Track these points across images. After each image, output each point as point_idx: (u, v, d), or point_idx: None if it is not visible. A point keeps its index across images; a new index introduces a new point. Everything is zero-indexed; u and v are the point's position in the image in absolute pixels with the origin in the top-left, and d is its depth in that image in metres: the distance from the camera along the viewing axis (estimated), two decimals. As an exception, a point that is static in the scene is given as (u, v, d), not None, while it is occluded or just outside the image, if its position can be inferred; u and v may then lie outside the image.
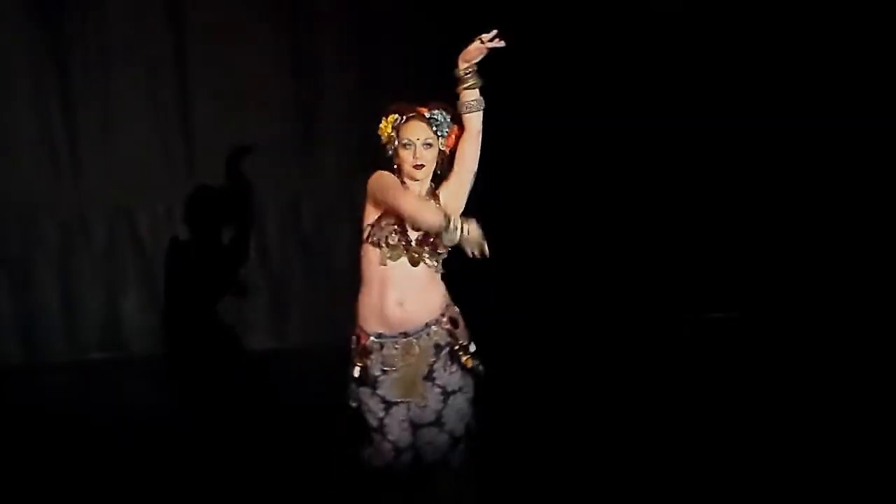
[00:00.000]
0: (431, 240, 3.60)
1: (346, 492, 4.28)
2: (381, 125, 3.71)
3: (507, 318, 6.58)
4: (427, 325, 3.67)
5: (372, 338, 3.67)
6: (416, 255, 3.63)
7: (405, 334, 3.66)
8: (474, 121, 3.66)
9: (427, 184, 3.72)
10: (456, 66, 3.62)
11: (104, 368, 6.82)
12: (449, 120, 3.67)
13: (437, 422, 3.71)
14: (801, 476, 4.69)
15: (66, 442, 5.42)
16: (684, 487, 4.64)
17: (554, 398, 5.84)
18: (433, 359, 3.68)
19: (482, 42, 3.58)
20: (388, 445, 3.71)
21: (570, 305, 7.34)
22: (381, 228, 3.63)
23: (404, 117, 3.68)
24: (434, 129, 3.67)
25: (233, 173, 7.00)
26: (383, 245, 3.62)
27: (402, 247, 3.62)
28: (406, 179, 3.68)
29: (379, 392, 3.68)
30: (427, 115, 3.67)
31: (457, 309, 3.75)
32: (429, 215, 3.45)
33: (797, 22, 7.26)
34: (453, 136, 3.69)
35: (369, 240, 3.65)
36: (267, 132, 7.17)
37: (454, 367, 3.70)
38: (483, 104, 3.65)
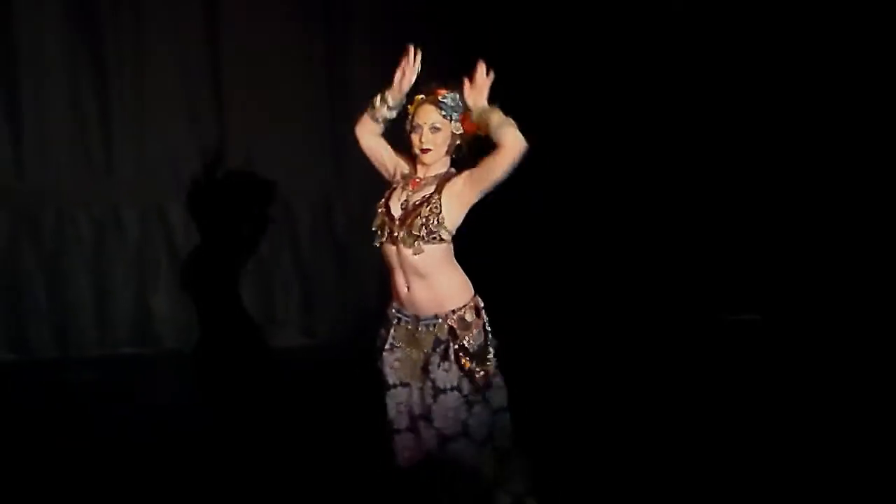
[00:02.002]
0: (409, 221, 3.58)
1: (370, 489, 4.32)
2: (410, 106, 3.72)
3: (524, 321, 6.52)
4: (435, 317, 3.65)
5: (393, 309, 3.73)
6: (396, 236, 3.62)
7: (416, 317, 3.67)
8: (511, 137, 3.50)
9: (442, 166, 3.68)
10: (467, 107, 3.55)
11: (135, 363, 6.85)
12: (461, 103, 3.62)
13: (427, 417, 3.68)
14: (819, 478, 4.66)
15: (95, 435, 5.46)
16: (703, 490, 4.62)
17: (570, 402, 5.81)
18: (429, 351, 3.65)
19: (473, 80, 3.53)
20: (389, 420, 3.73)
21: (591, 308, 7.33)
22: (376, 211, 3.73)
23: (420, 100, 3.68)
24: (443, 113, 3.63)
25: (264, 170, 7.05)
26: (377, 230, 3.70)
27: (385, 224, 3.67)
28: (417, 162, 3.69)
29: (383, 369, 3.72)
30: (440, 98, 3.64)
31: (477, 313, 3.68)
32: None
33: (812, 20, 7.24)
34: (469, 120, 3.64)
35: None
36: (299, 129, 7.21)
37: (447, 365, 3.63)
38: (511, 121, 3.52)
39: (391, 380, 3.72)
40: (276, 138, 7.12)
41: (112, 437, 5.44)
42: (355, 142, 3.87)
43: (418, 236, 3.57)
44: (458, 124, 3.63)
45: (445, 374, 3.63)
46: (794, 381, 6.14)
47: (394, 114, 3.78)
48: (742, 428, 5.34)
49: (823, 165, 7.34)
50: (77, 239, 7.03)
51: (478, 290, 3.72)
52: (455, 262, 3.68)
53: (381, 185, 6.90)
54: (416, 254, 3.58)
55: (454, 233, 3.62)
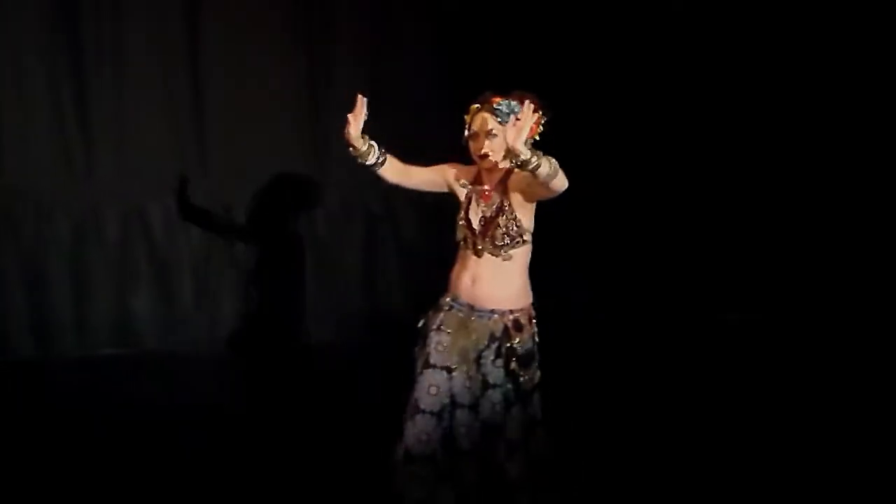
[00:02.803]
0: (490, 230, 3.79)
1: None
2: (467, 116, 3.91)
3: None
4: (492, 311, 3.83)
5: (448, 298, 3.92)
6: (479, 248, 3.84)
7: (471, 307, 3.85)
8: (558, 183, 3.59)
9: (502, 171, 3.86)
10: (510, 155, 3.56)
11: (115, 365, 6.81)
12: (517, 109, 3.70)
13: (474, 407, 3.84)
14: (818, 477, 4.66)
15: (75, 437, 5.44)
16: (699, 489, 4.62)
17: (571, 400, 5.78)
18: (483, 345, 3.82)
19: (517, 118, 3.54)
20: (414, 399, 3.84)
21: (583, 307, 7.33)
22: (459, 227, 3.92)
23: (478, 107, 3.86)
24: (499, 119, 3.79)
25: (243, 170, 7.02)
26: (460, 241, 3.93)
27: (467, 238, 3.88)
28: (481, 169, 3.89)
29: (427, 349, 3.87)
30: (494, 105, 3.79)
31: (530, 320, 3.87)
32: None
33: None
34: (531, 126, 3.69)
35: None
36: (279, 129, 7.18)
37: (499, 363, 3.81)
38: (556, 164, 3.54)
39: (433, 360, 3.86)
40: (255, 138, 7.09)
41: (94, 438, 5.43)
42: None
43: (502, 245, 3.81)
44: None
45: (496, 371, 3.82)
46: (786, 379, 6.15)
47: (373, 157, 4.08)
48: (737, 427, 5.37)
49: (815, 164, 7.35)
50: (55, 239, 6.98)
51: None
52: (527, 265, 3.88)
53: (362, 187, 7.02)
54: (505, 261, 3.82)
55: (532, 230, 3.85)
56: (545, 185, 3.54)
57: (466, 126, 3.88)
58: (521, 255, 3.85)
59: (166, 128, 7.08)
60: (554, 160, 3.52)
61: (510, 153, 3.48)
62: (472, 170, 3.97)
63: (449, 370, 3.84)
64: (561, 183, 3.57)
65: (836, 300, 7.24)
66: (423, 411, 3.84)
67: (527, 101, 3.52)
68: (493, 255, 3.82)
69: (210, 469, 4.99)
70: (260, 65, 7.13)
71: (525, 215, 3.83)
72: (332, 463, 4.97)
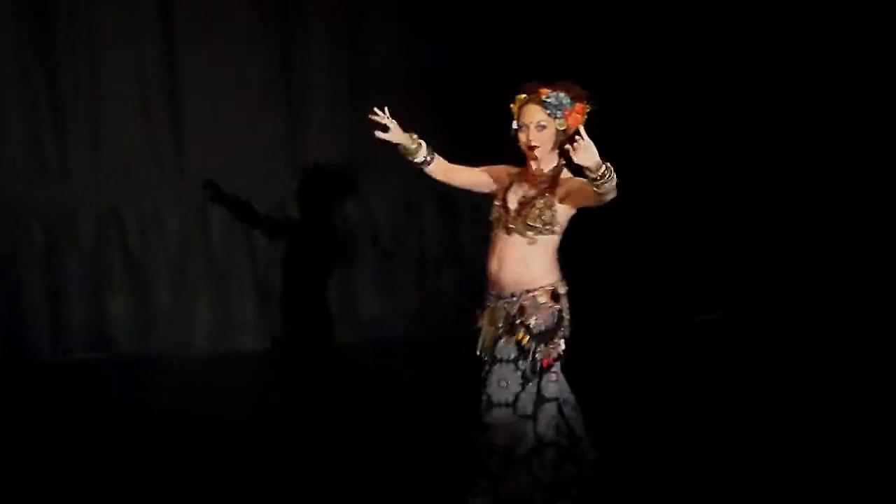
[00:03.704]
0: (524, 212, 3.86)
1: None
2: (512, 106, 3.94)
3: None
4: (511, 295, 3.91)
5: (492, 294, 3.99)
6: (510, 226, 3.89)
7: (498, 297, 3.94)
8: (609, 196, 3.70)
9: (552, 162, 3.92)
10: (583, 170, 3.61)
11: (90, 368, 6.77)
12: (565, 101, 3.82)
13: (483, 384, 3.94)
14: (803, 477, 4.67)
15: (53, 442, 5.39)
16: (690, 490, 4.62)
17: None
18: (500, 325, 3.92)
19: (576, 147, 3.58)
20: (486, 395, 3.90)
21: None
22: (495, 207, 3.97)
23: (525, 98, 3.90)
24: (548, 111, 3.84)
25: (219, 174, 6.99)
26: (492, 220, 3.97)
27: (501, 220, 3.92)
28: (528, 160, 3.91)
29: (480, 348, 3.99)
30: (543, 97, 3.83)
31: (554, 298, 3.90)
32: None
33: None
34: (576, 115, 3.83)
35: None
36: (256, 132, 7.15)
37: (509, 339, 3.89)
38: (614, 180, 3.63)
39: (484, 356, 3.99)
40: (231, 140, 7.06)
41: (71, 442, 5.39)
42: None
43: (532, 227, 3.86)
44: (563, 121, 3.84)
45: (505, 347, 3.89)
46: (764, 379, 6.15)
47: (420, 155, 4.11)
48: (720, 427, 5.36)
49: (789, 164, 7.37)
50: (30, 243, 6.94)
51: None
52: (555, 253, 3.94)
53: (340, 187, 7.01)
54: (530, 243, 3.87)
55: (565, 226, 3.91)
56: (601, 196, 3.67)
57: (514, 118, 3.92)
58: (547, 242, 3.90)
59: (140, 130, 7.04)
60: (614, 173, 3.62)
61: (588, 169, 3.58)
62: (521, 170, 4.02)
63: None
64: (612, 195, 3.68)
65: (814, 299, 7.26)
66: (493, 402, 3.91)
67: (580, 129, 3.60)
68: (521, 234, 3.88)
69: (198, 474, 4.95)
70: (235, 65, 7.08)
71: (563, 211, 3.90)
72: (327, 466, 4.97)
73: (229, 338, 7.23)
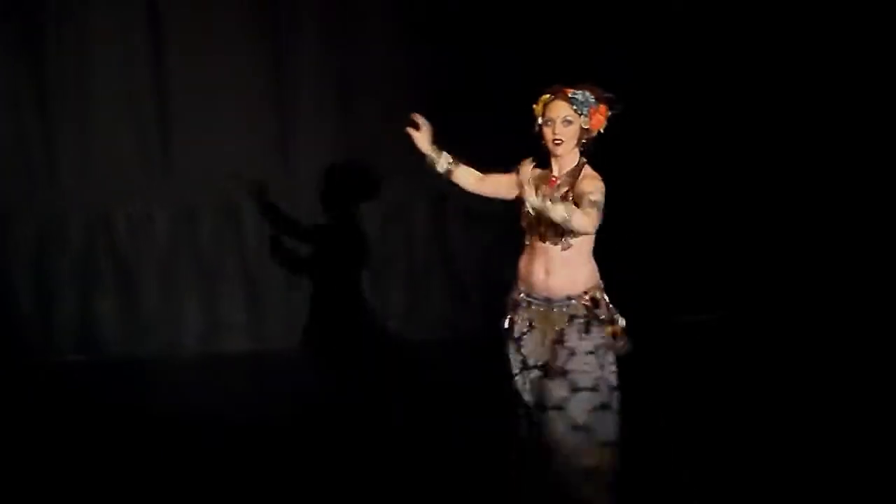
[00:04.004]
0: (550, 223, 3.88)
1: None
2: (535, 106, 4.02)
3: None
4: (568, 298, 3.99)
5: (522, 294, 4.06)
6: (543, 234, 3.96)
7: (548, 300, 4.00)
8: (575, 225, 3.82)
9: (574, 160, 3.98)
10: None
11: (81, 370, 6.75)
12: (591, 100, 3.93)
13: (563, 372, 3.99)
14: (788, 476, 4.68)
15: (41, 444, 5.39)
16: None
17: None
18: (564, 326, 3.99)
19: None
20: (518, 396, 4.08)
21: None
22: (524, 213, 3.98)
23: (551, 96, 3.97)
24: (574, 107, 3.91)
25: (209, 175, 7.01)
26: (523, 223, 4.01)
27: (531, 224, 3.98)
28: (551, 157, 4.01)
29: (522, 351, 4.08)
30: (570, 94, 3.92)
31: (603, 294, 4.05)
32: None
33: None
34: (599, 116, 3.95)
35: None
36: (245, 133, 7.14)
37: (587, 336, 3.99)
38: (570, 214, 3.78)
39: (531, 361, 4.07)
40: (221, 141, 7.05)
41: (61, 444, 5.39)
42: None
43: (565, 232, 3.89)
44: (587, 119, 3.94)
45: (582, 342, 3.99)
46: (757, 379, 6.17)
47: (440, 166, 4.21)
48: (706, 428, 5.37)
49: (774, 164, 7.38)
50: (19, 245, 6.95)
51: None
52: (591, 250, 4.04)
53: (324, 187, 7.01)
54: (563, 249, 3.95)
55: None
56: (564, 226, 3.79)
57: (539, 115, 3.99)
58: (584, 243, 3.99)
59: (129, 132, 7.04)
60: (570, 206, 3.76)
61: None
62: (543, 173, 4.07)
63: (537, 366, 4.07)
64: (579, 225, 3.78)
65: (805, 300, 7.27)
66: (524, 403, 4.09)
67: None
68: (553, 243, 3.96)
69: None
70: (225, 66, 7.07)
71: None
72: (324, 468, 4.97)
73: (219, 339, 7.22)
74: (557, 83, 4.00)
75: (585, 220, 3.77)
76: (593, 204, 3.79)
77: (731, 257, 7.52)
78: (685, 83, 7.36)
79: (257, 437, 5.40)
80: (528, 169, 4.12)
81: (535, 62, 6.91)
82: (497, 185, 4.22)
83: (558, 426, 4.00)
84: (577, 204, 3.83)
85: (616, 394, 4.05)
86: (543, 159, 4.10)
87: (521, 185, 4.03)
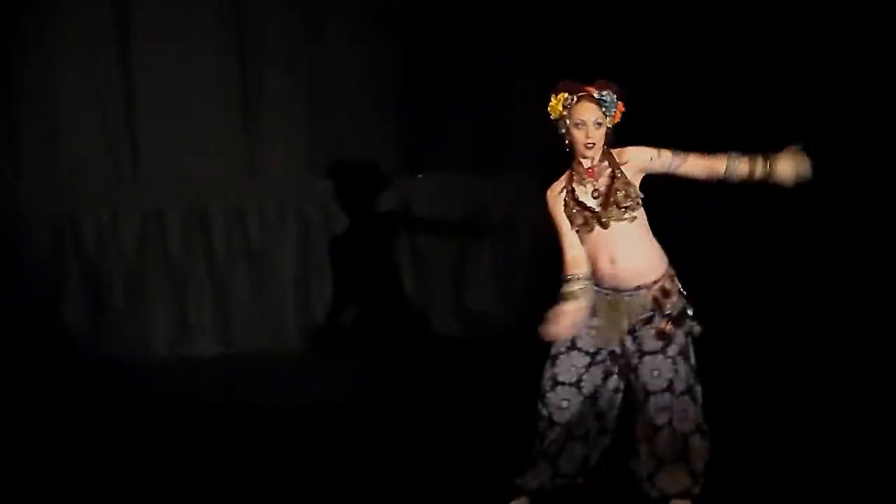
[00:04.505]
0: (612, 199, 3.94)
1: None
2: (552, 103, 3.98)
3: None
4: (638, 287, 3.99)
5: (602, 290, 4.03)
6: (605, 220, 3.94)
7: (616, 290, 4.00)
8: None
9: (597, 157, 3.98)
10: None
11: (48, 373, 6.72)
12: (615, 99, 3.93)
13: (635, 371, 4.06)
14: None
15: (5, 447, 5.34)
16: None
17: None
18: (638, 318, 4.01)
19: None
20: (553, 373, 4.06)
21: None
22: (569, 216, 3.99)
23: (575, 97, 3.94)
24: (603, 109, 3.93)
25: (176, 180, 7.04)
26: (575, 228, 3.99)
27: (590, 220, 3.96)
28: (579, 157, 3.98)
29: (578, 345, 4.04)
30: (597, 95, 3.93)
31: (675, 282, 4.05)
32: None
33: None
34: (618, 113, 3.97)
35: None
36: (213, 138, 7.14)
37: (652, 331, 4.01)
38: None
39: (580, 344, 4.04)
40: (188, 147, 7.06)
41: (30, 448, 5.33)
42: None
43: (626, 206, 3.93)
44: (611, 118, 3.97)
45: (651, 339, 4.02)
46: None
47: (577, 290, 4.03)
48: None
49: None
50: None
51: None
52: (649, 229, 4.04)
53: (294, 192, 7.01)
54: (631, 221, 3.94)
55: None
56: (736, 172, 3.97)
57: (559, 115, 3.98)
58: (643, 217, 4.01)
59: (97, 137, 7.02)
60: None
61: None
62: (570, 174, 4.06)
63: (592, 356, 4.07)
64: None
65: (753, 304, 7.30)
66: (563, 383, 4.07)
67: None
68: (619, 220, 3.95)
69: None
70: (192, 72, 7.08)
71: (636, 182, 4.01)
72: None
73: (188, 343, 7.22)
74: (563, 79, 3.98)
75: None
76: (678, 152, 3.93)
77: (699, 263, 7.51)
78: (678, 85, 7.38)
79: (227, 440, 5.39)
80: (556, 194, 4.07)
81: (512, 63, 7.00)
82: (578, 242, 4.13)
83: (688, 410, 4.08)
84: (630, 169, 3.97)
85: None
86: (559, 160, 4.09)
87: (554, 207, 4.06)
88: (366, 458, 5.02)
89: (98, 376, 6.62)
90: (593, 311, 4.03)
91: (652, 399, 4.07)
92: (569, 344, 4.06)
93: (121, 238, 7.10)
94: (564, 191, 4.03)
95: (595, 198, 3.98)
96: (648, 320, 4.02)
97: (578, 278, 3.98)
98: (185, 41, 7.04)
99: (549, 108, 3.99)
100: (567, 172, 4.05)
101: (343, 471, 4.89)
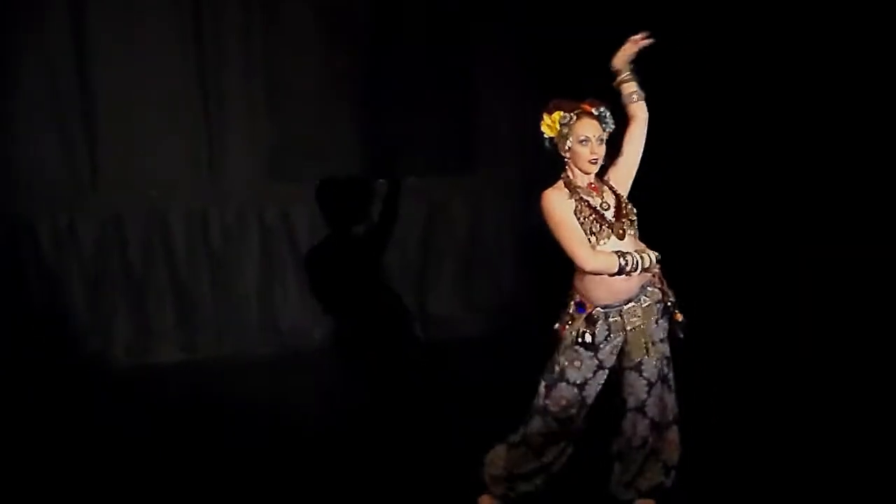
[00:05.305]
0: (624, 212, 4.06)
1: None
2: (547, 122, 4.07)
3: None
4: (643, 288, 4.10)
5: (598, 308, 4.08)
6: (621, 231, 4.04)
7: (627, 301, 4.08)
8: (641, 109, 4.17)
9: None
10: (611, 66, 4.16)
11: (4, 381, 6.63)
12: (611, 115, 4.06)
13: (637, 367, 4.18)
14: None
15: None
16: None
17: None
18: (655, 316, 4.14)
19: (633, 42, 4.12)
20: (576, 397, 4.14)
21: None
22: (582, 223, 4.01)
23: (573, 115, 4.02)
24: (604, 126, 4.04)
25: (136, 185, 6.97)
26: (590, 236, 4.00)
27: (605, 229, 4.01)
28: (578, 172, 4.08)
29: (599, 356, 4.11)
30: (595, 112, 4.03)
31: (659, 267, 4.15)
32: (603, 266, 3.97)
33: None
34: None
35: None
36: (172, 143, 7.06)
37: (664, 321, 4.18)
38: (643, 93, 4.16)
39: (608, 363, 4.14)
40: (147, 151, 6.98)
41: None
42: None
43: (633, 220, 4.10)
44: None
45: (657, 329, 4.17)
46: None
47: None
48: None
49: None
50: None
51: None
52: None
53: (256, 196, 6.97)
54: (635, 233, 4.09)
55: None
56: (635, 112, 4.16)
57: (555, 133, 4.05)
58: None
59: (55, 142, 6.91)
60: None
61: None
62: (574, 186, 4.09)
63: (627, 367, 4.19)
64: (644, 109, 4.17)
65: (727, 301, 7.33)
66: (569, 382, 4.14)
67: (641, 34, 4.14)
68: (631, 231, 4.06)
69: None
70: (150, 77, 6.98)
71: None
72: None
73: (148, 349, 7.14)
74: (554, 99, 4.08)
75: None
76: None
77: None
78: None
79: (192, 446, 5.36)
80: (564, 198, 4.08)
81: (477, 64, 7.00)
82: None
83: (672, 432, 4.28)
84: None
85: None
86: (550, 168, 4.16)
87: (562, 209, 4.06)
88: (330, 463, 5.02)
89: (56, 384, 6.55)
90: (615, 331, 4.10)
91: (629, 415, 4.24)
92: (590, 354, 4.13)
93: (79, 243, 7.01)
94: (574, 198, 4.05)
95: (605, 209, 4.07)
96: (664, 311, 4.16)
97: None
98: (144, 44, 6.95)
99: (542, 127, 4.07)
100: (562, 182, 4.10)
101: (308, 476, 4.88)
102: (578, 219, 4.00)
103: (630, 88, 4.15)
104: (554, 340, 4.18)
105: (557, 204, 4.03)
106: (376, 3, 7.32)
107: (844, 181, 6.69)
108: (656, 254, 4.04)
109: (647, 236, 4.15)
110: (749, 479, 4.69)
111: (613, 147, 4.16)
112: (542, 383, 4.18)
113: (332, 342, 7.23)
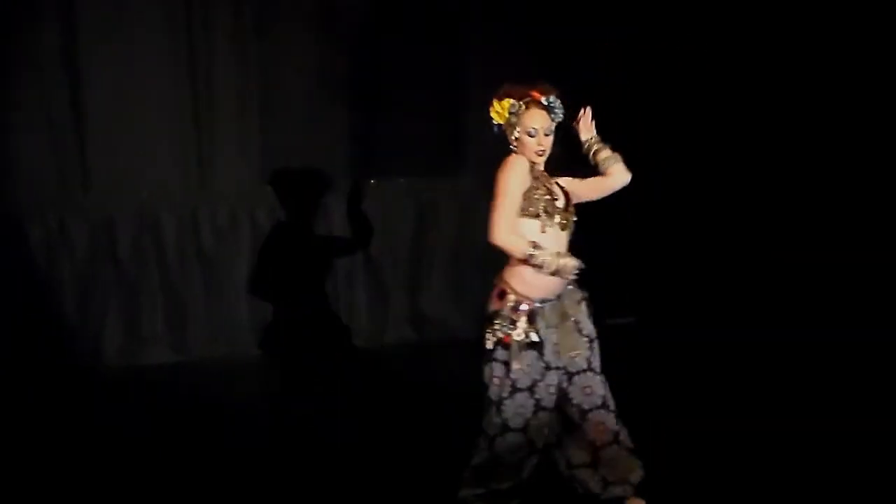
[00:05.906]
0: (570, 209, 3.98)
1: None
2: (497, 109, 3.97)
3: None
4: (567, 285, 3.99)
5: (537, 303, 3.93)
6: (565, 222, 3.96)
7: (558, 296, 3.98)
8: (623, 173, 4.09)
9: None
10: (578, 139, 4.11)
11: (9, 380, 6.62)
12: (561, 105, 3.95)
13: (590, 367, 4.07)
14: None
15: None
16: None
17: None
18: (578, 312, 4.03)
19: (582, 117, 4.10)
20: (530, 402, 3.97)
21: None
22: (535, 200, 3.88)
23: (521, 105, 3.92)
24: (552, 116, 3.93)
25: (126, 187, 6.99)
26: (542, 214, 3.89)
27: (556, 212, 3.92)
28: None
29: (545, 357, 3.96)
30: (545, 101, 3.93)
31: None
32: (510, 246, 3.88)
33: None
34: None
35: (523, 213, 3.88)
36: (162, 145, 7.08)
37: (590, 316, 4.08)
38: (619, 155, 4.09)
39: (554, 363, 3.98)
40: (137, 153, 7.00)
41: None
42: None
43: (576, 219, 4.03)
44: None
45: (589, 324, 4.09)
46: (668, 383, 6.24)
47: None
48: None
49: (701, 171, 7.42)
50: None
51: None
52: None
53: (245, 199, 6.98)
54: (571, 235, 4.01)
55: None
56: (608, 171, 4.06)
57: (505, 121, 3.96)
58: None
59: (46, 144, 6.92)
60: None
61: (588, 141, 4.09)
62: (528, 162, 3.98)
63: (559, 367, 4.03)
64: (623, 172, 4.07)
65: (706, 303, 7.35)
66: (543, 406, 4.00)
67: (587, 109, 4.10)
68: (570, 228, 3.99)
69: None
70: (141, 79, 7.01)
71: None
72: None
73: (140, 351, 7.14)
74: (506, 82, 3.97)
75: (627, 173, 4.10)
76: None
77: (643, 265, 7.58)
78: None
79: (184, 447, 5.34)
80: (526, 169, 3.95)
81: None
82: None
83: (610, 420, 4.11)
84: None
85: None
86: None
87: (518, 175, 3.95)
88: (326, 464, 5.01)
89: (47, 385, 6.55)
90: (551, 325, 3.96)
91: (590, 416, 4.07)
92: (549, 366, 3.99)
93: (70, 244, 7.00)
94: (533, 175, 3.94)
95: (556, 199, 3.97)
96: (588, 306, 4.07)
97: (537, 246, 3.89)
98: (134, 47, 6.97)
99: (492, 114, 3.98)
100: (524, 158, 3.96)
101: (303, 477, 4.87)
102: (534, 195, 3.88)
103: (604, 154, 4.09)
104: (487, 357, 4.02)
105: (516, 173, 3.89)
106: (367, 5, 7.36)
107: (843, 184, 6.76)
108: (578, 262, 3.87)
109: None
110: (737, 480, 4.69)
111: (588, 173, 4.11)
112: (493, 402, 4.00)
113: (322, 344, 7.23)
